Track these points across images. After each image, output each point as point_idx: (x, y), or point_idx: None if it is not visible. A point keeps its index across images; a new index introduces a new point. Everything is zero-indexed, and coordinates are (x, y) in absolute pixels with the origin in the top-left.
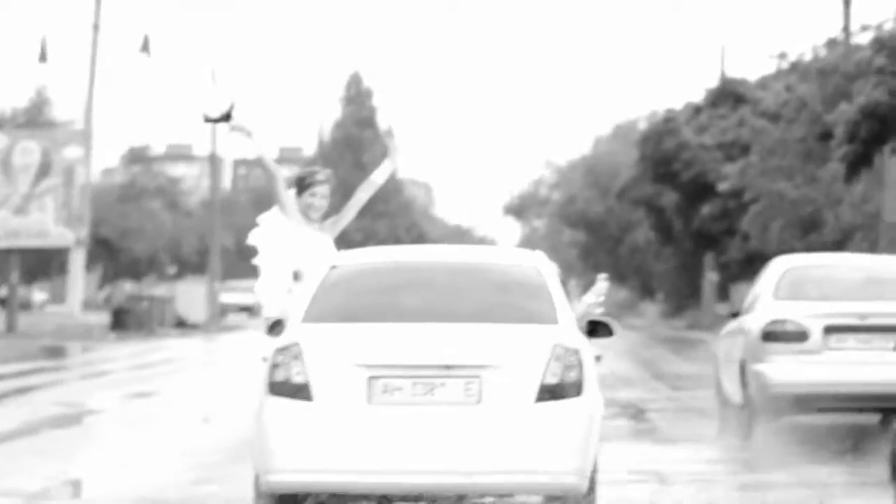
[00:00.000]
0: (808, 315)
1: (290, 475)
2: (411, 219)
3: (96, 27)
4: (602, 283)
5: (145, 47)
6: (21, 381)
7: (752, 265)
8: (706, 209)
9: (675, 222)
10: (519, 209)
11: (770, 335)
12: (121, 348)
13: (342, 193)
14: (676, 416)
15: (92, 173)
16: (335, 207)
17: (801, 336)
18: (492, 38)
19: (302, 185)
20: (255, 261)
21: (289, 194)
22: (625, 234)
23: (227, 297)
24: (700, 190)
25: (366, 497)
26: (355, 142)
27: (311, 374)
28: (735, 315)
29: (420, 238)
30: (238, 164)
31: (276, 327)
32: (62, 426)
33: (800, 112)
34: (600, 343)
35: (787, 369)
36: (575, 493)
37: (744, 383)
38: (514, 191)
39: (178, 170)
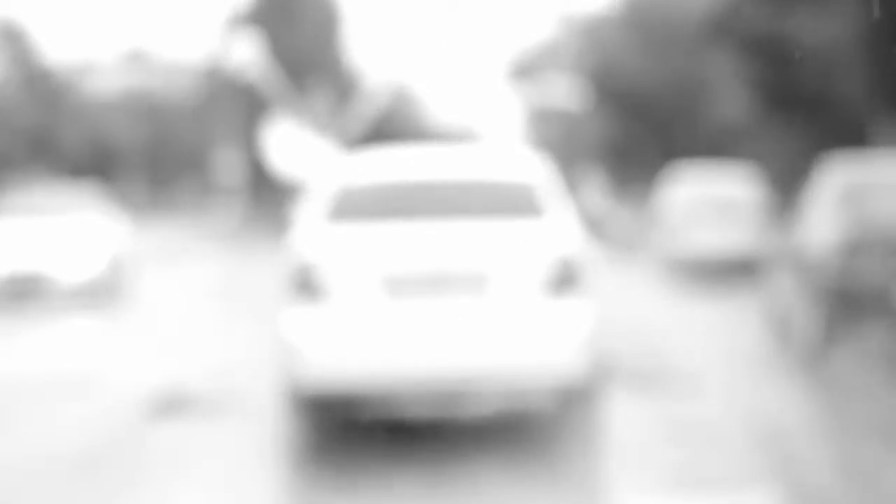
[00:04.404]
0: None
1: (319, 376)
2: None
3: None
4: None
5: None
6: None
7: None
8: None
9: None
10: (527, 70)
11: None
12: None
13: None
14: None
15: None
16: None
17: None
18: None
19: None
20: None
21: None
22: (693, 113)
23: None
24: None
25: (386, 404)
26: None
27: (330, 279)
28: None
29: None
30: None
31: (291, 191)
32: None
33: None
34: None
35: None
36: (581, 385)
37: None
38: (514, 57)
39: None
